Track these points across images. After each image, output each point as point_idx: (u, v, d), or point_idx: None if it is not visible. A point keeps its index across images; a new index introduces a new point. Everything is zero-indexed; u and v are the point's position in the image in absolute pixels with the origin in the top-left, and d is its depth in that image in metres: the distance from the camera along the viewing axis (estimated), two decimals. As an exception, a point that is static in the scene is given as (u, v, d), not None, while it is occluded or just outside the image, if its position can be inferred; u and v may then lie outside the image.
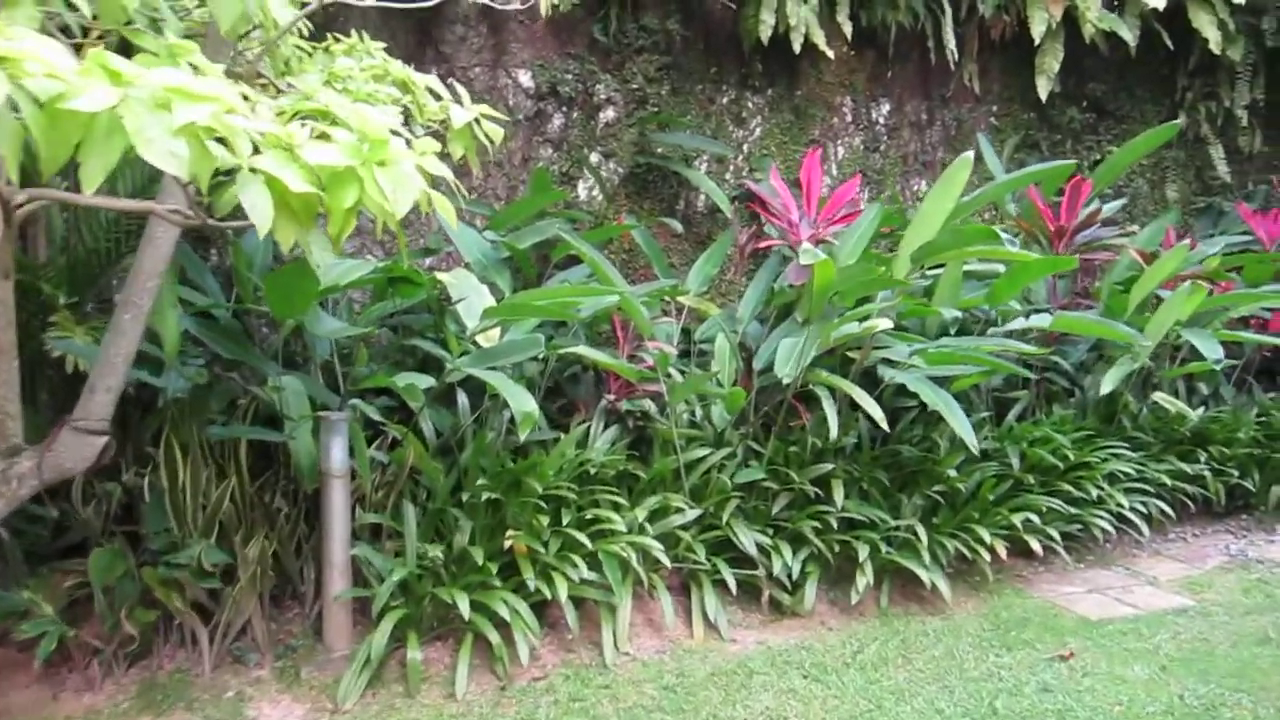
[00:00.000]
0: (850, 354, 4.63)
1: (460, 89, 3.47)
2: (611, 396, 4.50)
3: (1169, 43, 6.36)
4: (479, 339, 3.95)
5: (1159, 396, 5.36)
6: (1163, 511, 5.15)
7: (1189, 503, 5.38)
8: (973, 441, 3.96)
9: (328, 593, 3.71)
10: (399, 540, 3.86)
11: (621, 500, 4.06)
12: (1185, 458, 5.44)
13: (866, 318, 4.10)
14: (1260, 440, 5.58)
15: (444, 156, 2.39)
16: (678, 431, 4.39)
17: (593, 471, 4.08)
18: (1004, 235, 3.86)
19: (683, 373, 4.91)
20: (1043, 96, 6.31)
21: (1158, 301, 5.60)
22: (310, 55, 3.14)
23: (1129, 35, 6.19)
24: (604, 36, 5.39)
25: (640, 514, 3.98)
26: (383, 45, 3.16)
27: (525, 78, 5.38)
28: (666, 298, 5.17)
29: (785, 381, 4.17)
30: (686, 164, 5.65)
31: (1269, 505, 5.50)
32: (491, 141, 3.35)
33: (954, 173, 4.12)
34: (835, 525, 4.27)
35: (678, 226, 5.57)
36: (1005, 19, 6.29)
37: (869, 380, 4.78)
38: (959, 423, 3.94)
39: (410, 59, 3.71)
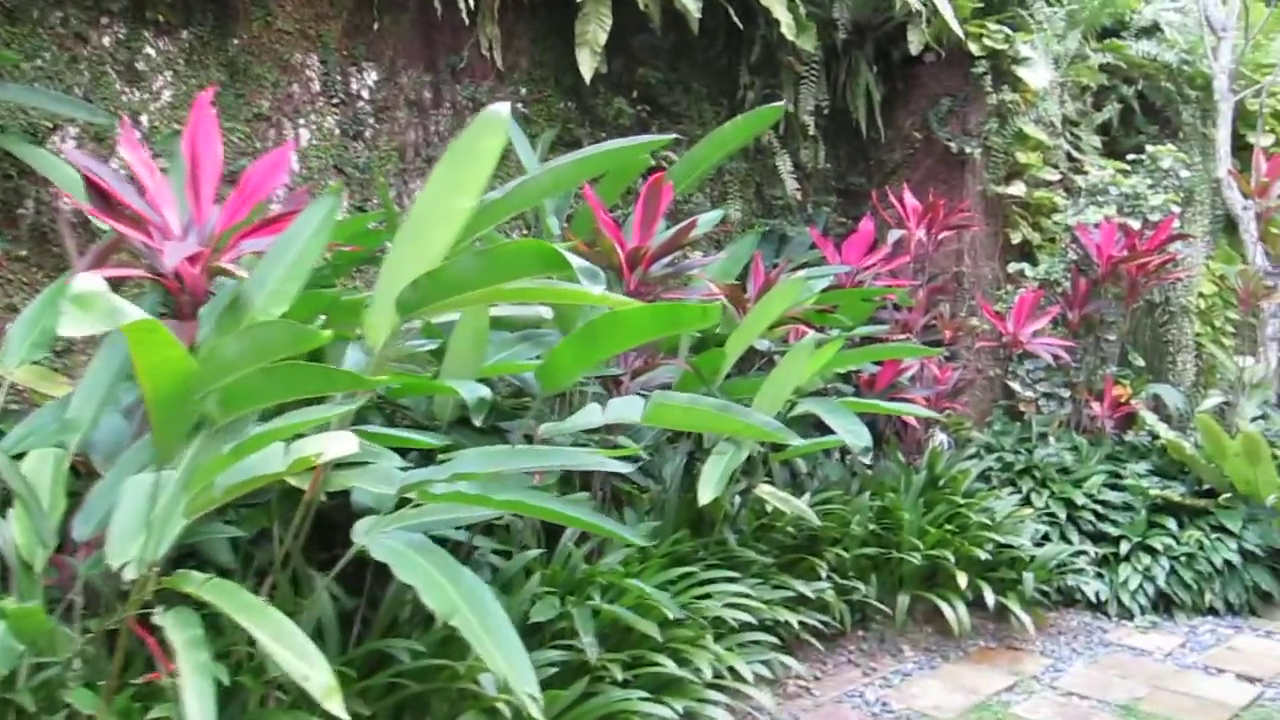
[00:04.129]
0: (296, 483, 2.45)
1: None
2: None
3: (736, 20, 4.98)
4: None
5: (765, 492, 3.82)
6: (783, 664, 3.59)
7: (805, 633, 3.88)
8: (538, 714, 1.95)
9: None
10: None
11: None
12: (792, 568, 3.96)
13: (300, 434, 1.95)
14: (877, 534, 4.25)
15: None
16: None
17: None
18: (577, 261, 1.90)
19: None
20: (586, 76, 4.61)
21: (754, 355, 4.10)
22: None
23: (692, 4, 4.70)
24: None
25: None
26: None
27: None
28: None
29: (129, 576, 1.88)
30: (35, 139, 3.21)
31: (896, 620, 4.16)
32: None
33: (473, 143, 2.13)
34: None
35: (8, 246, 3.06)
36: (536, -35, 4.53)
37: (335, 512, 2.66)
38: (514, 666, 1.91)
39: None
